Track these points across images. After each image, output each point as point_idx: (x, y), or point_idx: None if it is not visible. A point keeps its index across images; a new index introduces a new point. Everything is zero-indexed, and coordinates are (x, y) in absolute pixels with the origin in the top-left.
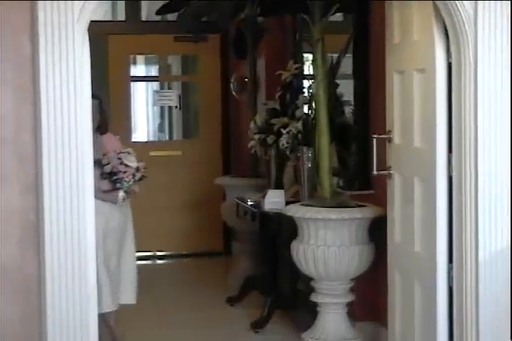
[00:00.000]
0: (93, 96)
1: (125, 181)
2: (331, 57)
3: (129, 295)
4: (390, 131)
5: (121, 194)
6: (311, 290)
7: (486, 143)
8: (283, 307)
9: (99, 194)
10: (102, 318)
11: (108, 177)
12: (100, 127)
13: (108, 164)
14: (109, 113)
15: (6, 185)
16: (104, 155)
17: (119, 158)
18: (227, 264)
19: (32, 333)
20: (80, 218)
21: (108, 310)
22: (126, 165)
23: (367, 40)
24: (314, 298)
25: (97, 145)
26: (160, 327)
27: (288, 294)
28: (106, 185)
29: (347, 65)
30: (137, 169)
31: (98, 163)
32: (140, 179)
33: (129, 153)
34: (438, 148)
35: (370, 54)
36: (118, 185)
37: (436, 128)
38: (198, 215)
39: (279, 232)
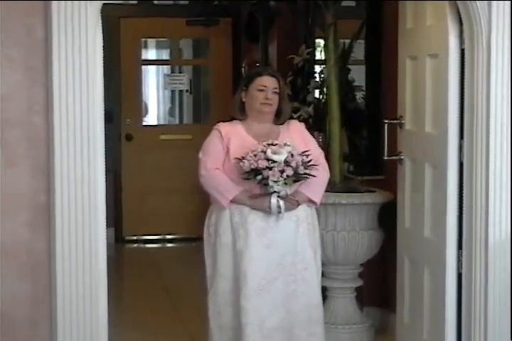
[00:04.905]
0: (270, 74)
1: (272, 181)
2: (343, 42)
3: None
4: (401, 117)
5: (273, 200)
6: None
7: (497, 129)
8: None
9: (248, 200)
10: None
11: (250, 176)
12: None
13: (243, 159)
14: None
15: (16, 166)
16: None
17: (263, 152)
18: None
19: (41, 312)
20: (91, 199)
21: None
22: (268, 159)
23: (379, 26)
24: (323, 282)
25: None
26: (169, 310)
27: None
28: (257, 188)
29: (359, 51)
30: (287, 163)
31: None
32: (297, 178)
33: (286, 144)
34: (450, 134)
35: (382, 39)
36: (269, 189)
37: (448, 114)
38: (207, 199)
39: None
